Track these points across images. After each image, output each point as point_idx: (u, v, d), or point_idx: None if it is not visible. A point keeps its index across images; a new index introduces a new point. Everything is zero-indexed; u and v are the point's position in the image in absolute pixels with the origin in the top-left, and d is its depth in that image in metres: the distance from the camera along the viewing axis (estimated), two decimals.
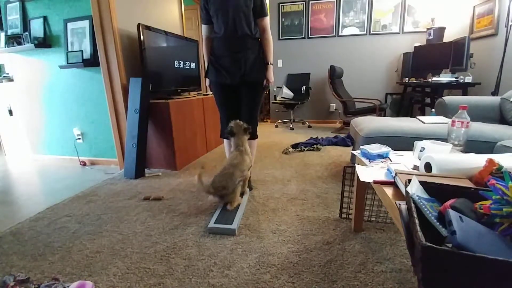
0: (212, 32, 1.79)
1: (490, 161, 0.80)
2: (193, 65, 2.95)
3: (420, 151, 1.12)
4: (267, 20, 1.77)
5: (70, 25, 2.46)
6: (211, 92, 2.00)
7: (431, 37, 3.56)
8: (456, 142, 1.22)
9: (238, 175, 1.65)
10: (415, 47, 3.54)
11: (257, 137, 1.97)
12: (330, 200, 1.77)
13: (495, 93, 2.67)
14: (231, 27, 1.69)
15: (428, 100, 3.46)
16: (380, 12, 4.10)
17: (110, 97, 2.39)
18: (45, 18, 2.53)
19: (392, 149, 1.27)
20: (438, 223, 0.57)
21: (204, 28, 1.82)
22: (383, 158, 1.22)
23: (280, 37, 4.55)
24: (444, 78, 2.99)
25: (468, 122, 1.19)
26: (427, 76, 3.43)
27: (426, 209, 0.60)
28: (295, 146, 3.04)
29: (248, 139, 1.86)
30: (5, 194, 2.10)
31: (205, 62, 1.92)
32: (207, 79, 1.91)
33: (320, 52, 4.46)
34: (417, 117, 2.07)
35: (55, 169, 2.65)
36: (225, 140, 2.00)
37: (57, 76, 2.61)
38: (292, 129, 4.21)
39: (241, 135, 1.75)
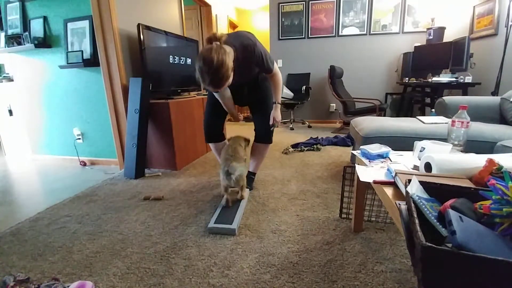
0: None
1: (490, 161, 0.80)
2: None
3: (420, 151, 1.12)
4: (275, 69, 1.68)
5: (70, 25, 2.46)
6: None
7: (431, 37, 3.56)
8: (456, 142, 1.22)
9: (242, 164, 1.65)
10: (415, 47, 3.54)
11: (271, 142, 1.89)
12: (330, 200, 1.77)
13: (495, 93, 2.67)
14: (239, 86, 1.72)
15: (428, 100, 3.46)
16: (380, 12, 4.10)
17: (110, 97, 2.39)
18: (45, 18, 2.53)
19: (392, 149, 1.27)
20: (438, 223, 0.57)
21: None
22: (383, 158, 1.22)
23: (280, 37, 4.55)
24: (444, 78, 2.99)
25: (468, 122, 1.19)
26: (427, 76, 3.43)
27: (426, 209, 0.60)
28: (295, 146, 3.03)
29: (262, 142, 1.85)
30: (5, 194, 2.10)
31: None
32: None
33: (320, 52, 4.46)
34: (417, 117, 2.06)
35: (55, 169, 2.65)
36: (211, 144, 1.93)
37: (57, 76, 2.60)
38: (292, 129, 4.21)
39: (236, 143, 1.74)
